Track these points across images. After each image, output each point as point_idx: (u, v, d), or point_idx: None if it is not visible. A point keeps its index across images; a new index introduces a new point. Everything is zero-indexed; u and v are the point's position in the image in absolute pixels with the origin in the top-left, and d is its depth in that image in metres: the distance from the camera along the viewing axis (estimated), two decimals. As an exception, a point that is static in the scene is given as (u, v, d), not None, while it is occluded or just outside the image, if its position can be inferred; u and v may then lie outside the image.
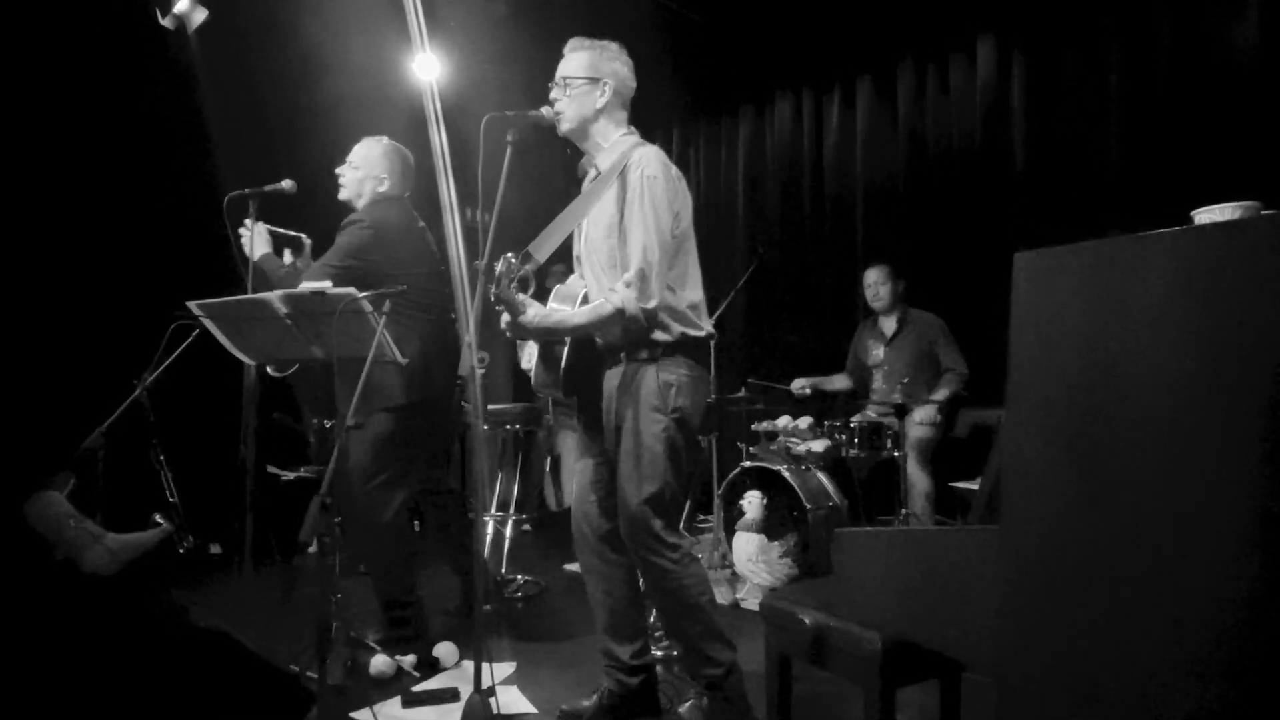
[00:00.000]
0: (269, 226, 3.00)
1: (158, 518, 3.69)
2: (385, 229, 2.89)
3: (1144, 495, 1.04)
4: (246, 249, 2.94)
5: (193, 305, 2.54)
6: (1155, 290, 1.04)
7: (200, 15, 4.00)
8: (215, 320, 2.57)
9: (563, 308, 2.27)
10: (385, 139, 3.08)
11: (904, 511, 3.82)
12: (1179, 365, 1.02)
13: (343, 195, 3.05)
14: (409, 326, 2.84)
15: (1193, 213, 1.29)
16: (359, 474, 2.88)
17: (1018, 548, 1.18)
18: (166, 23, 4.03)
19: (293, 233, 3.07)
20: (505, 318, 2.14)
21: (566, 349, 2.30)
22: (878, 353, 4.51)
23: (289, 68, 4.55)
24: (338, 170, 3.06)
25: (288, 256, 3.10)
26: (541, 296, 2.24)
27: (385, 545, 2.93)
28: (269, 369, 2.98)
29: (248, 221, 2.95)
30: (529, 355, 2.44)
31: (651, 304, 2.16)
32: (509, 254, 2.04)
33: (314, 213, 3.15)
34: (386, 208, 2.98)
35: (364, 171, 3.02)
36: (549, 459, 5.38)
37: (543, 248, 2.11)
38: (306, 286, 2.54)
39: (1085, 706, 1.09)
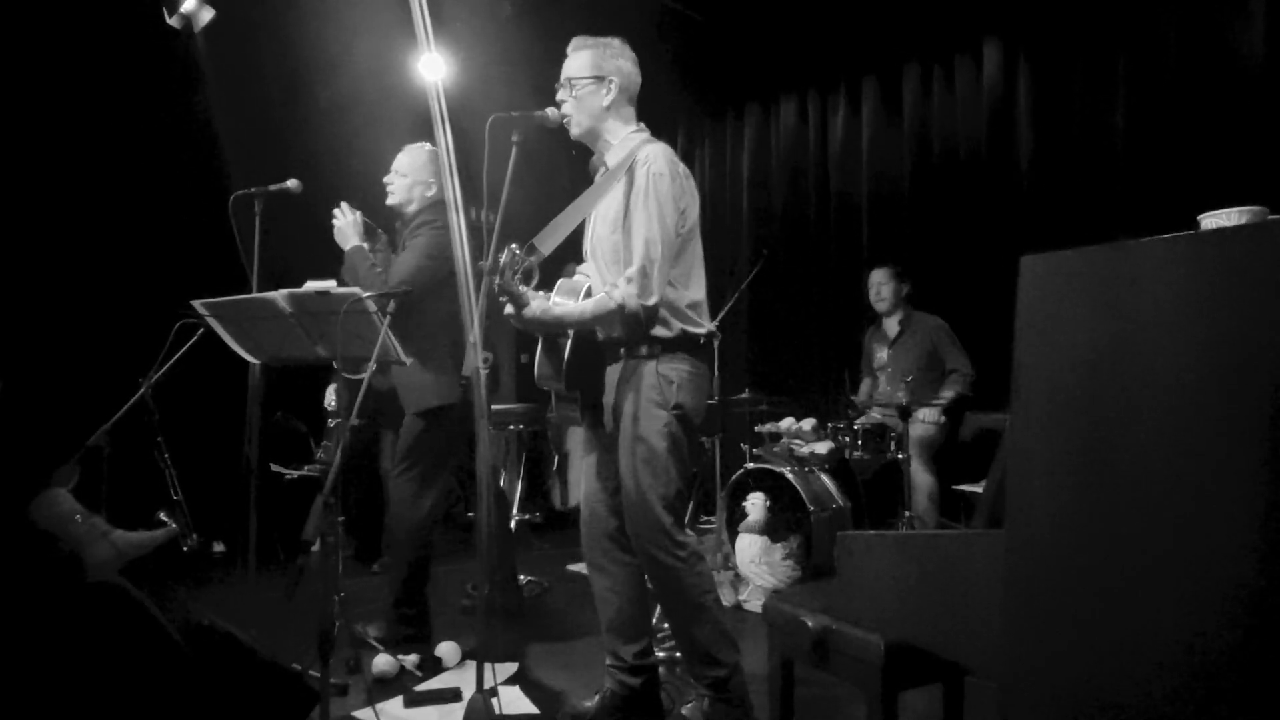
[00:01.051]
0: (362, 216, 3.04)
1: (162, 515, 3.70)
2: (450, 230, 2.95)
3: (1150, 500, 1.04)
4: (338, 238, 3.00)
5: (198, 304, 2.55)
6: (1162, 295, 1.04)
7: (207, 15, 4.01)
8: (220, 319, 2.58)
9: (565, 301, 2.28)
10: (428, 145, 3.15)
11: (907, 514, 3.81)
12: (1185, 370, 1.01)
13: (391, 201, 3.12)
14: (446, 325, 2.90)
15: (1199, 217, 1.29)
16: (393, 469, 2.98)
17: (1022, 552, 1.17)
18: (173, 22, 4.04)
19: (374, 225, 3.13)
20: (508, 309, 2.15)
21: (569, 343, 2.30)
22: (881, 355, 4.51)
23: (295, 67, 4.56)
24: (385, 179, 3.13)
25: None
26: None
27: (410, 541, 2.96)
28: (334, 364, 3.02)
29: (344, 206, 3.01)
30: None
31: (652, 301, 2.16)
32: (513, 245, 2.05)
33: (319, 213, 3.15)
34: (442, 211, 3.04)
35: (412, 178, 3.09)
36: (556, 457, 5.38)
37: (548, 241, 2.11)
38: (311, 286, 2.54)
39: (1089, 712, 1.09)
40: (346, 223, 2.99)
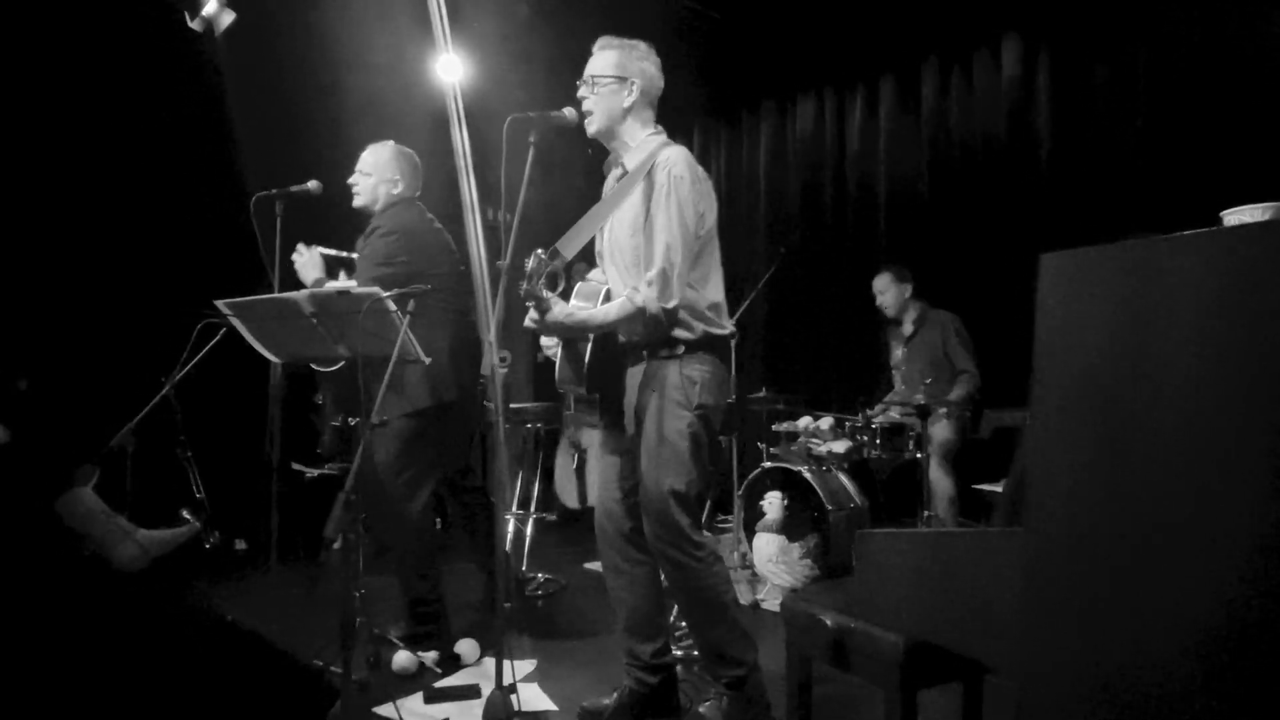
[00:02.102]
0: (322, 250, 3.04)
1: (185, 514, 3.74)
2: (406, 231, 2.95)
3: (1171, 498, 1.03)
4: (300, 275, 2.99)
5: (220, 304, 2.58)
6: (1183, 292, 1.03)
7: (228, 18, 4.05)
8: (242, 319, 2.60)
9: (585, 305, 2.28)
10: (391, 143, 3.12)
11: (926, 513, 3.79)
12: (1207, 368, 1.00)
13: (358, 203, 3.09)
14: (435, 324, 2.87)
15: (1222, 213, 1.28)
16: (386, 471, 2.91)
17: (1042, 550, 1.17)
18: (195, 25, 4.08)
19: (345, 254, 3.11)
20: (531, 314, 2.16)
21: (590, 346, 2.31)
22: (898, 353, 4.49)
23: (315, 69, 4.60)
24: (350, 181, 3.10)
25: (342, 277, 3.14)
26: (566, 295, 2.26)
27: (412, 542, 2.96)
28: (312, 364, 3.02)
29: (300, 247, 3.01)
30: (546, 345, 2.45)
31: (672, 303, 2.17)
32: (539, 250, 2.06)
33: (339, 213, 3.18)
34: (403, 210, 3.02)
35: (376, 176, 3.06)
36: (575, 455, 5.38)
37: (570, 245, 2.12)
38: (332, 286, 2.57)
39: (1109, 711, 1.09)
40: (303, 261, 2.99)
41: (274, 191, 2.97)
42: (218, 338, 3.48)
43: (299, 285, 2.87)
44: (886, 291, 4.44)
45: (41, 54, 4.02)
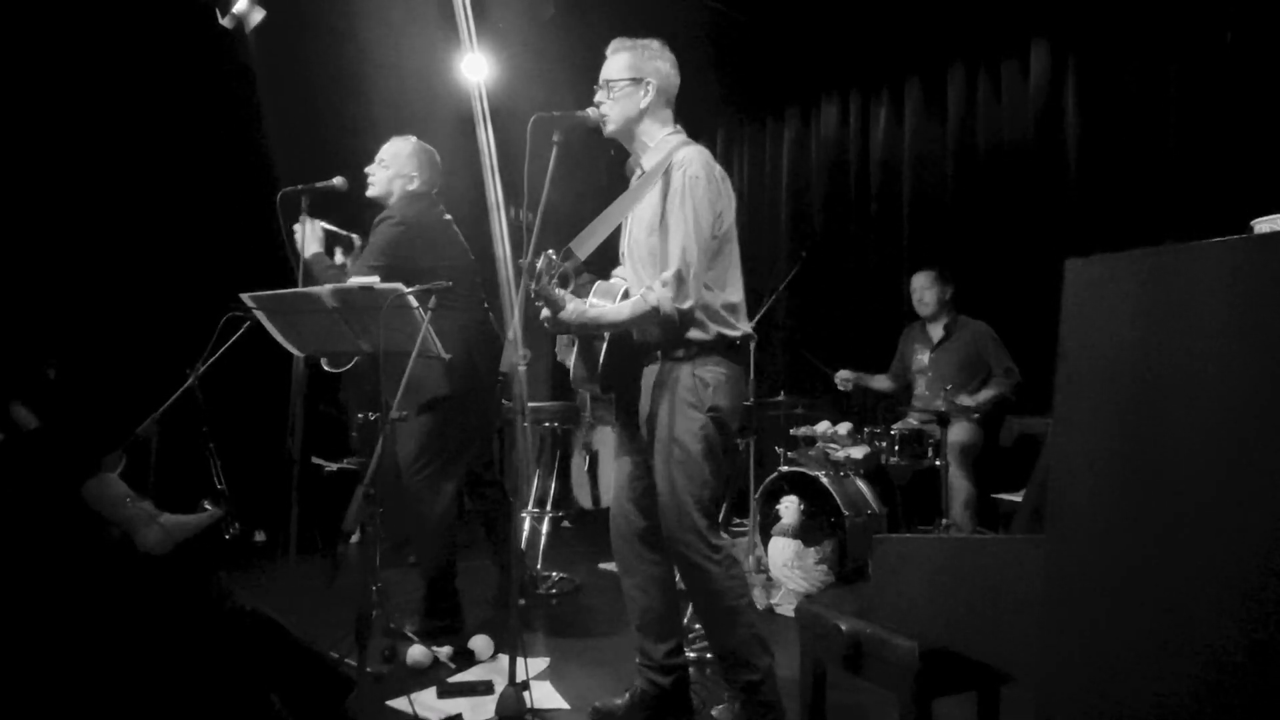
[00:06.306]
0: (324, 225, 3.06)
1: (206, 504, 3.79)
2: (417, 225, 2.96)
3: (1195, 505, 1.02)
4: (299, 245, 3.00)
5: (245, 297, 2.61)
6: (1211, 300, 1.02)
7: (258, 15, 4.10)
8: (267, 312, 2.63)
9: (601, 303, 2.29)
10: (413, 138, 3.15)
11: (944, 521, 3.76)
12: (1234, 377, 0.99)
13: (372, 193, 3.12)
14: (449, 320, 2.89)
15: (1252, 222, 1.26)
16: (405, 467, 2.93)
17: (1063, 556, 1.16)
18: (225, 22, 4.14)
19: (345, 232, 3.14)
20: (545, 312, 2.17)
21: (604, 345, 2.31)
22: (923, 357, 4.44)
23: (342, 67, 4.65)
24: (367, 170, 3.12)
25: (339, 256, 3.17)
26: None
27: (435, 537, 2.98)
28: (324, 363, 3.05)
29: (303, 218, 3.01)
30: (562, 347, 2.46)
31: (687, 304, 2.16)
32: (549, 250, 2.07)
33: (364, 209, 3.21)
34: (416, 204, 3.04)
35: (394, 169, 3.08)
36: (586, 456, 5.40)
37: (585, 245, 2.13)
38: (354, 281, 2.59)
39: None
40: (304, 232, 2.98)
41: (299, 187, 3.00)
42: (242, 331, 3.52)
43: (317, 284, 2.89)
44: (929, 289, 4.37)
45: (73, 49, 4.09)
